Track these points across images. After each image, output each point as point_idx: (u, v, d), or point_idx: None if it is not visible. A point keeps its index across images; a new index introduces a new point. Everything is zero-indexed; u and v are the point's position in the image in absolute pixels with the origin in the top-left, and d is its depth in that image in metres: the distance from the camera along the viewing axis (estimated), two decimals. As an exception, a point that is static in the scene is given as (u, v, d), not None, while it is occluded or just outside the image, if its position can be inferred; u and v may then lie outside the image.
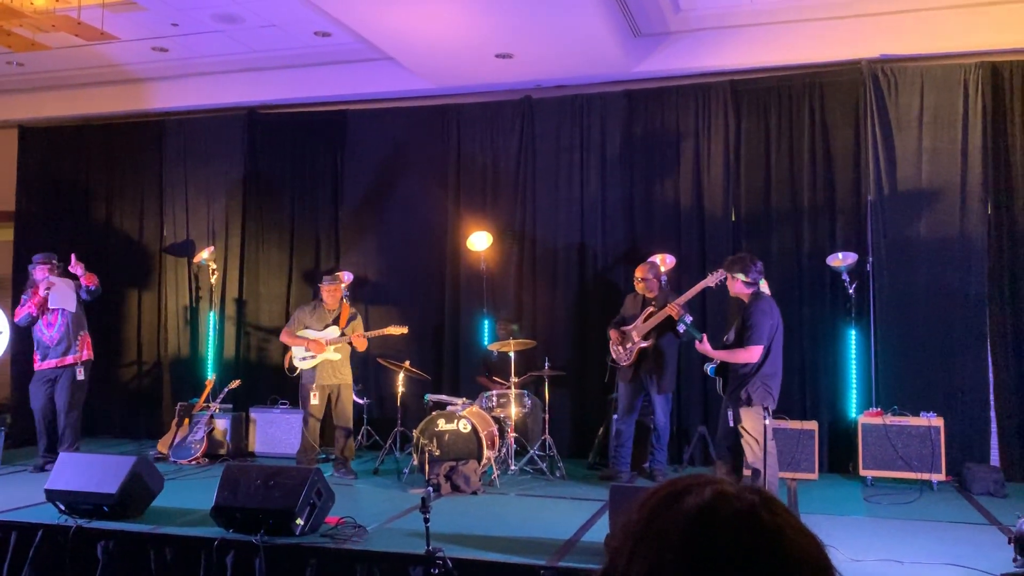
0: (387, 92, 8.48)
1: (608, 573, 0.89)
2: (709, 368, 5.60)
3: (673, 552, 0.84)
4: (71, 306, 7.22)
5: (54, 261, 7.26)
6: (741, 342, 5.43)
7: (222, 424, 7.82)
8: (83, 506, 5.24)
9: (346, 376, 7.02)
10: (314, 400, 6.91)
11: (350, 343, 6.94)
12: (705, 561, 0.82)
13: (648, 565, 0.85)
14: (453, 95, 8.41)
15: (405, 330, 7.01)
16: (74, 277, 7.24)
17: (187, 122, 9.22)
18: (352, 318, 7.07)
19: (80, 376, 7.21)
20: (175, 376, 9.09)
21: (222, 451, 7.70)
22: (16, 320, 7.30)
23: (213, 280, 8.73)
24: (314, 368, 6.91)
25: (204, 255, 8.60)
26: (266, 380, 8.67)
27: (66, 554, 4.98)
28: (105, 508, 5.21)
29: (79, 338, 7.23)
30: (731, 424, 5.48)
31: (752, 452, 5.34)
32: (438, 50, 7.25)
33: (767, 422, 4.99)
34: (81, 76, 9.02)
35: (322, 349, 6.88)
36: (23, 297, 7.32)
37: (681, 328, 5.71)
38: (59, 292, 7.19)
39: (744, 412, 5.37)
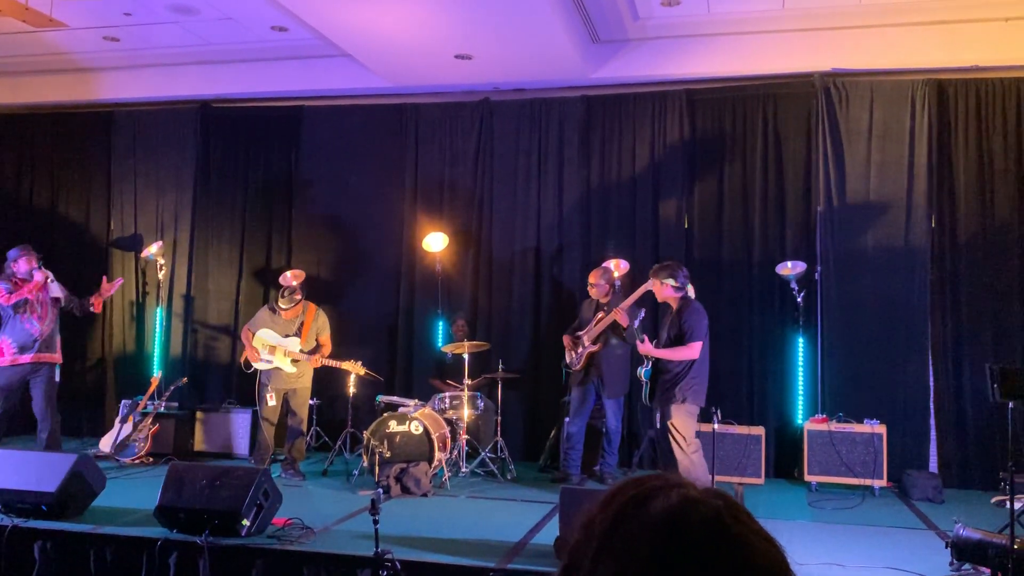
0: (344, 89, 8.41)
1: (569, 571, 0.89)
2: (643, 372, 5.72)
3: (640, 558, 0.84)
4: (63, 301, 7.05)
5: (29, 252, 7.00)
6: (677, 342, 5.60)
7: (167, 423, 7.66)
8: (20, 505, 5.09)
9: (304, 380, 6.92)
10: (270, 402, 6.81)
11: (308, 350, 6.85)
12: (672, 568, 0.82)
13: (614, 569, 0.85)
14: (411, 94, 8.37)
15: (362, 371, 6.89)
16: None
17: (138, 114, 9.03)
18: (315, 325, 6.94)
19: (57, 377, 7.00)
20: (120, 373, 8.88)
21: (166, 450, 7.54)
22: (8, 304, 6.79)
23: (161, 275, 8.55)
24: (271, 370, 6.82)
25: (152, 250, 8.42)
26: (213, 378, 8.53)
27: (1, 553, 4.83)
28: (43, 507, 5.07)
29: (58, 338, 7.04)
30: (657, 426, 5.66)
31: (680, 450, 5.45)
32: (396, 48, 7.21)
33: (715, 425, 5.07)
34: (28, 63, 8.77)
35: (257, 359, 6.82)
36: (0, 286, 6.88)
37: (636, 323, 5.82)
38: (55, 283, 6.99)
39: (676, 409, 5.52)
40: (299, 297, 6.89)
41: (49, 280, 6.94)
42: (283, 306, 6.83)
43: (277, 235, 8.69)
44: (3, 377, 6.82)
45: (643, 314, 5.91)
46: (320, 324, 6.97)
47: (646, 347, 5.65)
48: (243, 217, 8.76)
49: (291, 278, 8.05)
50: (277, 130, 8.70)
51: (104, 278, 7.20)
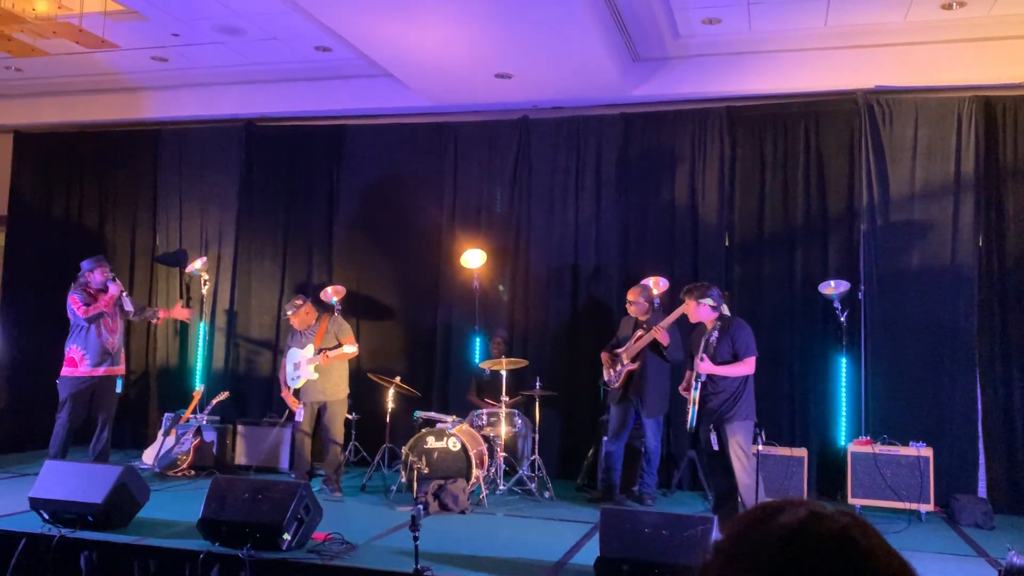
0: (385, 108, 8.51)
1: None
2: (696, 395, 5.63)
3: (766, 569, 0.85)
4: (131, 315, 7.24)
5: (103, 265, 7.18)
6: (731, 359, 5.60)
7: (209, 436, 7.75)
8: (67, 515, 5.18)
9: (333, 392, 6.93)
10: (299, 416, 6.88)
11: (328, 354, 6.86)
12: None
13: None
14: (450, 113, 8.44)
15: (355, 350, 7.00)
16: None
17: (183, 131, 9.21)
18: (332, 329, 6.98)
19: (119, 388, 7.16)
20: (163, 386, 9.02)
21: (208, 463, 7.63)
22: (85, 316, 6.94)
23: (205, 291, 8.69)
24: (304, 386, 6.90)
25: (196, 265, 8.57)
26: (254, 393, 8.63)
27: (48, 564, 4.91)
28: (90, 518, 5.16)
29: (123, 350, 7.25)
30: (715, 448, 5.53)
31: (742, 469, 5.41)
32: (437, 68, 7.29)
33: (760, 446, 5.02)
34: (79, 83, 9.01)
35: (292, 376, 6.91)
36: (76, 296, 7.00)
37: (712, 341, 5.76)
38: (127, 299, 7.17)
39: (740, 427, 5.50)
40: (300, 303, 6.95)
41: (123, 294, 7.09)
42: (288, 313, 6.96)
43: (318, 251, 8.79)
44: (75, 386, 6.96)
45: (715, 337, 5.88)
46: (337, 328, 7.01)
47: (706, 365, 5.59)
48: (285, 233, 8.88)
49: (331, 294, 8.13)
50: (319, 148, 8.82)
51: (180, 303, 7.35)
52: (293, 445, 6.98)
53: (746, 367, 5.60)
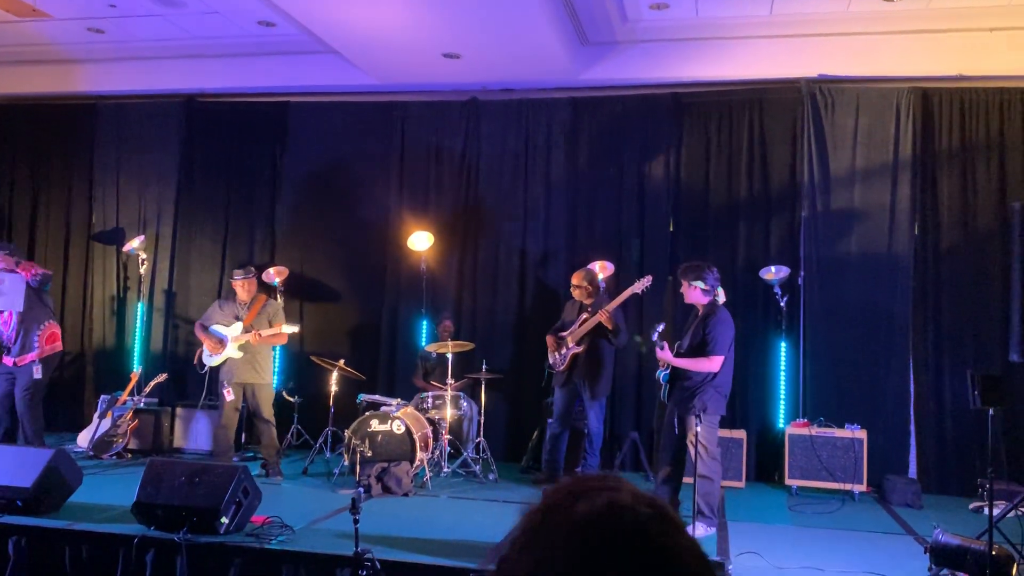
0: (331, 86, 8.37)
1: (502, 560, 0.88)
2: (661, 375, 5.52)
3: (557, 559, 0.81)
4: (18, 306, 6.84)
5: (7, 251, 6.86)
6: (699, 351, 5.38)
7: (146, 419, 7.59)
8: (-6, 500, 5.02)
9: (260, 376, 6.70)
10: (228, 397, 6.64)
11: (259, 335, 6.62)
12: (587, 574, 0.80)
13: (533, 562, 0.83)
14: (398, 92, 8.34)
15: (296, 329, 6.84)
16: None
17: (121, 106, 8.94)
18: (266, 311, 6.75)
19: (37, 375, 6.85)
20: (99, 368, 8.79)
21: (145, 446, 7.47)
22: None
23: (143, 270, 8.48)
24: (226, 365, 6.67)
25: (134, 244, 8.34)
26: (193, 375, 8.40)
27: (-26, 550, 4.76)
28: (19, 502, 5.00)
29: (39, 333, 6.88)
30: (676, 432, 5.45)
31: (703, 461, 5.30)
32: (384, 46, 7.18)
33: (698, 428, 5.03)
34: (10, 54, 8.67)
35: (218, 350, 6.66)
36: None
37: (654, 336, 5.56)
38: (5, 294, 6.83)
39: (693, 421, 5.30)
40: (253, 273, 6.79)
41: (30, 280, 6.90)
42: (237, 276, 6.74)
43: (261, 231, 8.64)
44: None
45: (662, 327, 5.70)
46: (272, 311, 6.79)
47: (665, 355, 5.42)
48: (226, 213, 8.70)
49: (274, 275, 8.00)
50: (262, 126, 8.64)
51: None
52: (219, 426, 6.75)
53: (709, 364, 5.32)
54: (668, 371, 5.49)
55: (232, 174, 8.71)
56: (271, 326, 6.68)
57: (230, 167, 8.72)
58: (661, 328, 5.57)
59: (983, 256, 7.09)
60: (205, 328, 6.75)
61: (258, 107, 8.67)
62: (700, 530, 5.13)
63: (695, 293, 5.48)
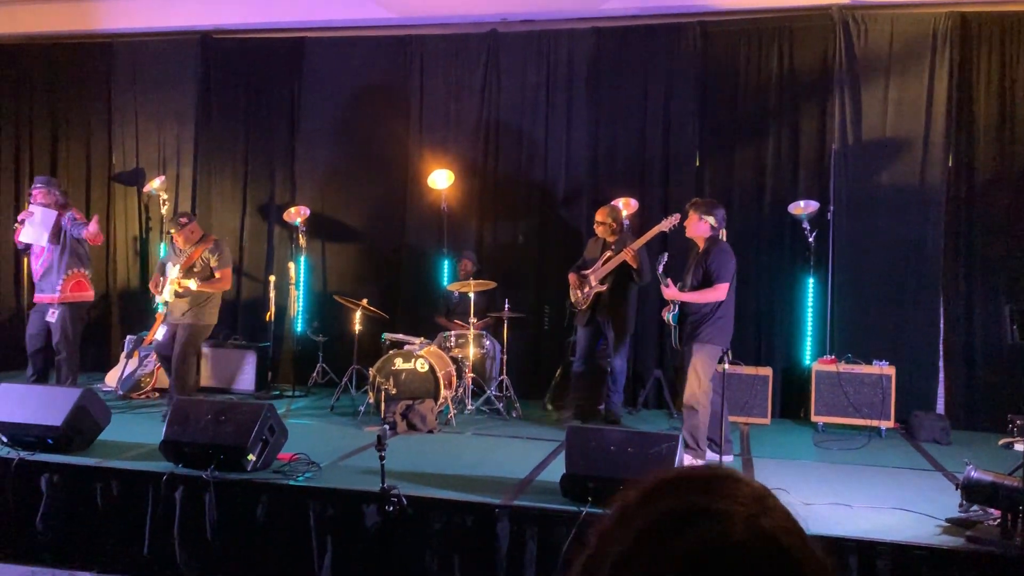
0: (347, 20, 8.18)
1: (593, 560, 0.77)
2: (671, 316, 5.52)
3: None
4: (40, 240, 6.90)
5: (46, 188, 6.92)
6: (704, 284, 5.40)
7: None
8: (27, 438, 5.09)
9: (188, 317, 6.49)
10: (157, 335, 6.58)
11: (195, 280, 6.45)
12: None
13: None
14: (415, 25, 8.14)
15: (194, 286, 6.44)
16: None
17: (137, 44, 8.81)
18: (206, 258, 6.54)
19: (51, 318, 6.87)
20: (124, 308, 8.85)
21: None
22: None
23: (164, 211, 8.45)
24: (167, 305, 6.58)
25: (155, 184, 8.30)
26: (219, 314, 8.46)
27: (8, 486, 4.85)
28: (49, 440, 5.07)
29: (65, 276, 6.90)
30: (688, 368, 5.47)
31: (691, 390, 5.35)
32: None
33: (726, 365, 4.97)
34: (23, -9, 8.54)
35: (155, 291, 6.62)
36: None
37: (659, 267, 5.54)
38: (34, 226, 6.87)
39: (698, 349, 5.37)
40: (185, 221, 6.61)
41: (20, 221, 7.00)
42: (171, 229, 6.66)
43: (281, 170, 8.56)
44: (33, 308, 7.08)
45: (666, 258, 5.65)
46: (218, 255, 6.56)
47: (671, 291, 5.43)
48: (246, 151, 8.62)
49: (295, 215, 7.95)
50: (279, 63, 8.49)
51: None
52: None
53: (714, 293, 5.35)
54: (676, 311, 5.47)
55: (250, 112, 8.60)
56: (211, 269, 6.53)
57: (248, 105, 8.61)
58: (665, 259, 5.55)
59: (1019, 190, 6.88)
60: (162, 267, 6.70)
61: (274, 43, 8.51)
62: (687, 461, 5.12)
63: (703, 227, 5.47)
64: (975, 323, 6.96)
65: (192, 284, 6.41)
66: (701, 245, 5.54)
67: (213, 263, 6.56)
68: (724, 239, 5.65)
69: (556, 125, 7.87)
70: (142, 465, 4.91)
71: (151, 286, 6.78)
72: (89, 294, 7.14)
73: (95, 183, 8.98)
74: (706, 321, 5.39)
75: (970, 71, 7.01)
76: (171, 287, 6.48)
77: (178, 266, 6.51)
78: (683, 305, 5.50)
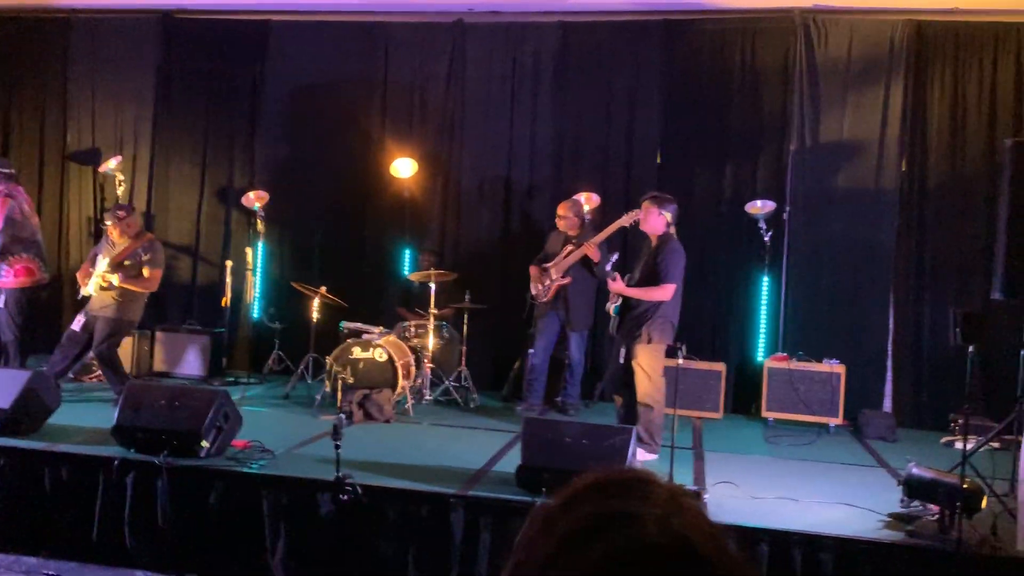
0: (314, 4, 8.11)
1: (518, 570, 0.80)
2: (613, 307, 5.55)
3: None
4: None
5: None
6: (650, 281, 5.41)
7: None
8: (-28, 421, 4.99)
9: (110, 311, 6.38)
10: (75, 326, 6.47)
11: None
12: None
13: None
14: (382, 12, 8.08)
15: (146, 288, 6.46)
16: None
17: (96, 21, 8.61)
18: (138, 255, 6.39)
19: None
20: (77, 290, 8.66)
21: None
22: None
23: (120, 192, 8.29)
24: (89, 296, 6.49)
25: (111, 164, 8.15)
26: (173, 298, 8.37)
27: (-47, 470, 4.75)
28: (-3, 423, 4.98)
29: (7, 263, 6.67)
30: (621, 361, 5.51)
31: (644, 389, 5.40)
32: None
33: (680, 360, 5.03)
34: (-24, -38, 8.31)
35: (84, 282, 6.46)
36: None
37: (608, 267, 5.58)
38: None
39: (642, 349, 5.38)
40: (123, 215, 6.48)
41: None
42: (107, 221, 6.51)
43: (240, 154, 8.45)
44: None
45: (616, 257, 5.72)
46: (151, 255, 6.42)
47: (617, 285, 5.44)
48: (205, 134, 8.49)
49: (254, 199, 7.86)
50: (242, 45, 8.37)
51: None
52: (59, 345, 6.59)
53: (661, 292, 5.35)
54: (619, 303, 5.49)
55: (211, 94, 8.48)
56: (140, 269, 6.39)
57: (209, 87, 8.48)
58: (615, 258, 5.61)
59: (969, 194, 7.08)
60: (93, 257, 6.56)
61: (237, 25, 8.39)
62: (641, 455, 5.20)
63: (661, 221, 5.48)
64: (923, 324, 7.15)
65: (115, 280, 6.26)
66: (654, 240, 5.55)
67: (144, 260, 6.39)
68: (675, 235, 5.67)
69: (521, 118, 7.89)
70: (93, 450, 4.84)
71: (78, 275, 6.58)
72: (38, 278, 6.94)
73: (48, 161, 8.78)
74: (648, 319, 5.37)
75: (925, 78, 7.19)
76: (96, 280, 6.33)
77: (107, 259, 6.35)
78: (627, 299, 5.50)
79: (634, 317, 5.44)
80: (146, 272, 6.39)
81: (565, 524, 0.79)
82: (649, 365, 5.37)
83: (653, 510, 0.78)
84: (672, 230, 5.59)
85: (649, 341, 5.36)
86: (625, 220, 6.27)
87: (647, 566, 0.74)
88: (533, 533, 0.81)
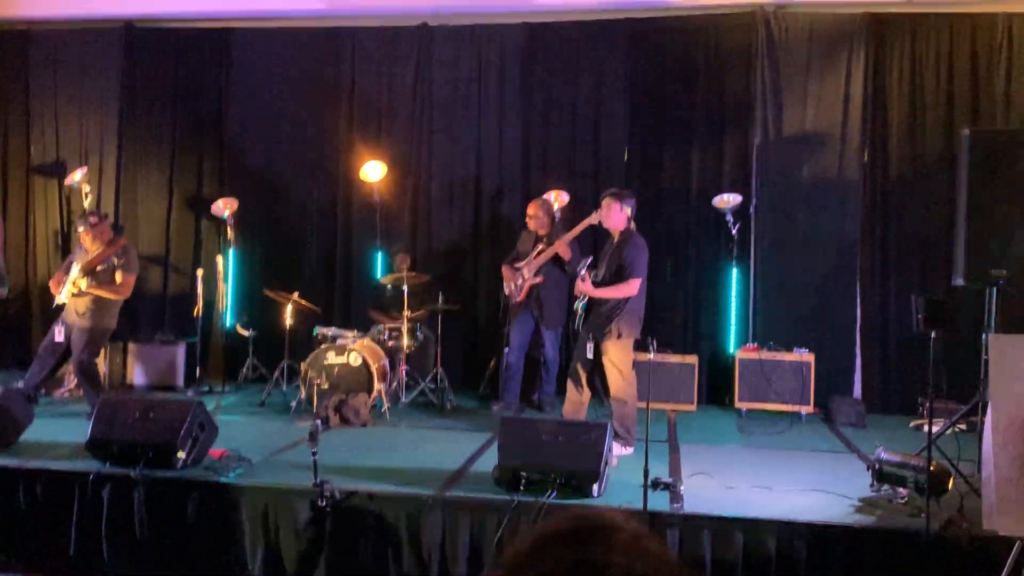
0: (277, 11, 8.08)
1: None
2: (580, 305, 5.60)
3: None
4: None
5: None
6: (616, 277, 5.48)
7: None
8: (-57, 440, 4.94)
9: (86, 319, 6.27)
10: (56, 337, 6.39)
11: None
12: None
13: None
14: (347, 16, 8.09)
15: (118, 296, 6.34)
16: None
17: (57, 33, 8.52)
18: (111, 261, 6.30)
19: None
20: (45, 304, 8.57)
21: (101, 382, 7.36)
22: None
23: (87, 203, 8.19)
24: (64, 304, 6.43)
25: (76, 176, 8.06)
26: (146, 309, 8.31)
27: (-75, 490, 4.70)
28: (-32, 442, 4.93)
29: None
30: (589, 356, 5.56)
31: (617, 384, 5.46)
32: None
33: (651, 355, 5.08)
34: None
35: (58, 289, 6.39)
36: None
37: (581, 271, 5.62)
38: None
39: (612, 344, 5.43)
40: (95, 221, 6.41)
41: None
42: (79, 227, 6.44)
43: (208, 162, 8.41)
44: None
45: (590, 260, 5.76)
46: (124, 261, 6.32)
47: (585, 286, 5.49)
48: (173, 142, 8.44)
49: (223, 207, 7.83)
50: (206, 53, 8.33)
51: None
52: (37, 357, 6.54)
53: (627, 288, 5.42)
54: (585, 301, 5.56)
55: (177, 103, 8.43)
56: (112, 274, 6.31)
57: (175, 95, 8.43)
58: (588, 261, 5.68)
59: (930, 183, 7.21)
60: (68, 265, 6.48)
61: (200, 33, 8.35)
62: (617, 450, 5.25)
63: (622, 216, 5.57)
64: (889, 311, 7.28)
65: (83, 284, 6.19)
66: (616, 236, 5.62)
67: (118, 264, 6.31)
68: (635, 229, 5.75)
69: (489, 118, 7.93)
70: (67, 465, 4.81)
71: (51, 283, 6.52)
72: None
73: (12, 175, 8.68)
74: (617, 315, 5.43)
75: (884, 69, 7.32)
76: (69, 287, 6.27)
77: (79, 266, 6.29)
78: (590, 300, 5.54)
79: (602, 313, 5.50)
80: (119, 277, 6.30)
81: (532, 573, 0.82)
82: (620, 360, 5.44)
83: (617, 559, 0.81)
84: (632, 225, 5.67)
85: (619, 336, 5.43)
86: (594, 218, 6.32)
87: None
88: (520, 555, 0.85)
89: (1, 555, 4.64)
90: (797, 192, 7.38)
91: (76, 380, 6.95)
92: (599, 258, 5.82)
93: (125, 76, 8.40)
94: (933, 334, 4.30)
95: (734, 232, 7.20)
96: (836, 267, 7.32)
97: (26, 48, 8.57)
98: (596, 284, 5.57)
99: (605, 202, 5.67)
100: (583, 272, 5.55)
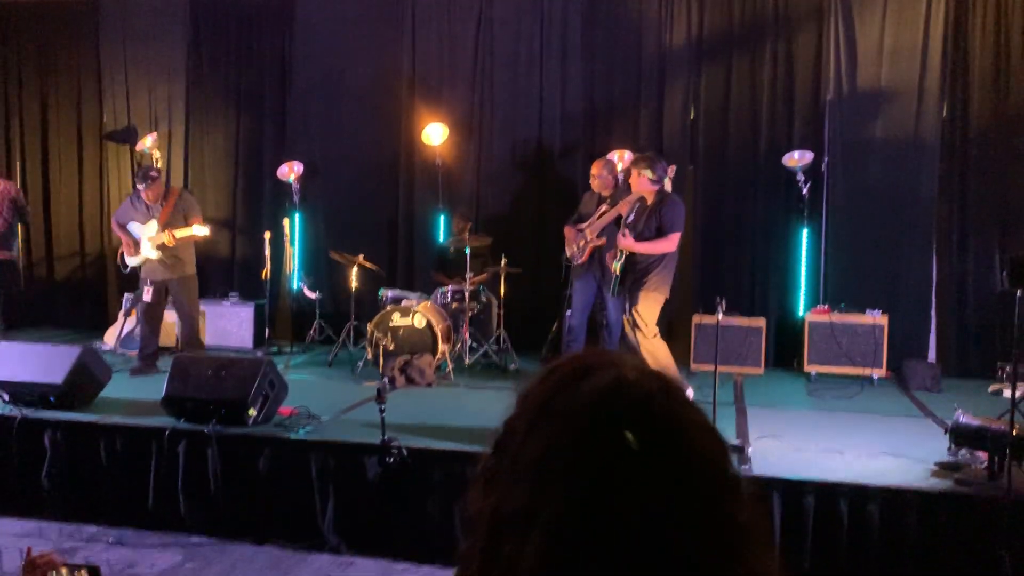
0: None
1: (502, 445, 0.88)
2: (619, 265, 5.66)
3: (567, 439, 0.81)
4: None
5: None
6: (656, 235, 5.55)
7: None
8: (28, 396, 5.14)
9: (179, 268, 6.53)
10: (147, 298, 6.55)
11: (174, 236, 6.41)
12: (595, 452, 0.80)
13: (544, 446, 0.82)
14: (408, -23, 8.04)
15: (207, 231, 6.56)
16: None
17: (125, 4, 8.67)
18: (180, 207, 6.52)
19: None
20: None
21: (170, 343, 7.58)
22: None
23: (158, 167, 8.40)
24: (147, 264, 6.55)
25: (147, 142, 8.25)
26: (215, 271, 8.49)
27: (12, 444, 4.91)
28: (51, 398, 5.12)
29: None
30: (627, 313, 5.66)
31: (642, 335, 5.53)
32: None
33: (719, 316, 5.02)
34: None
35: (135, 252, 6.52)
36: None
37: (631, 219, 5.68)
38: None
39: (644, 296, 5.52)
40: (155, 175, 6.55)
41: None
42: (139, 185, 6.52)
43: (272, 126, 8.49)
44: None
45: (632, 218, 5.77)
46: (187, 205, 6.59)
47: (627, 241, 5.58)
48: (237, 107, 8.55)
49: (288, 171, 7.92)
50: (269, 15, 8.38)
51: None
52: (141, 324, 6.74)
53: (667, 244, 5.53)
54: (623, 260, 5.61)
55: (241, 67, 8.52)
56: (186, 221, 6.49)
57: (239, 60, 8.52)
58: (632, 218, 5.71)
59: (1013, 139, 6.88)
60: (122, 226, 6.63)
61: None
62: None
63: (643, 182, 5.65)
64: (967, 271, 7.01)
65: (165, 239, 6.38)
66: (650, 199, 5.68)
67: (187, 210, 6.56)
68: (669, 189, 5.85)
69: (551, 77, 7.81)
70: (144, 421, 4.97)
71: (123, 249, 6.65)
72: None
73: (87, 142, 8.92)
74: (653, 270, 5.55)
75: (966, 19, 6.96)
76: (150, 245, 6.43)
77: (153, 221, 6.46)
78: (630, 256, 5.62)
79: (639, 270, 5.59)
80: (193, 221, 6.53)
81: (550, 382, 0.88)
82: (647, 313, 5.52)
83: (626, 359, 0.88)
84: (667, 186, 5.77)
85: (653, 289, 5.54)
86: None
87: (630, 395, 0.83)
88: (518, 414, 0.89)
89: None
90: (871, 149, 7.11)
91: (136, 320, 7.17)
92: (633, 219, 5.78)
93: (191, 41, 8.53)
94: (1019, 293, 4.11)
95: (805, 191, 6.98)
96: (911, 226, 7.05)
97: (96, 19, 8.75)
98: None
99: (631, 170, 5.78)
100: (624, 229, 5.56)
